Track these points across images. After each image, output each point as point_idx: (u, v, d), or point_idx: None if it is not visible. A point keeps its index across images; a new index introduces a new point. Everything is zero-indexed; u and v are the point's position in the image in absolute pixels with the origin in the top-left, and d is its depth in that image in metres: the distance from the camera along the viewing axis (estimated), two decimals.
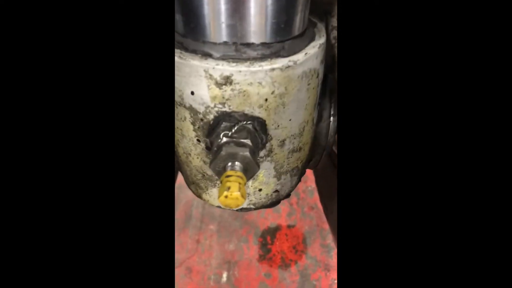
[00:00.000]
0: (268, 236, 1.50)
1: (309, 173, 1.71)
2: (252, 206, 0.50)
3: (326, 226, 1.51)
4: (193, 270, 1.37)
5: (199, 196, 0.52)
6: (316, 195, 1.64)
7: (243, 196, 0.31)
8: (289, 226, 1.52)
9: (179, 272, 1.35)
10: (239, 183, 0.31)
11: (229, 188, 0.30)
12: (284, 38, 0.36)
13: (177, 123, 0.41)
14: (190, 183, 0.51)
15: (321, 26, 0.45)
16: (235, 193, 0.30)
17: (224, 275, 1.36)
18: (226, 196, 0.30)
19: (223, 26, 0.34)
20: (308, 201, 1.61)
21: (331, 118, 0.50)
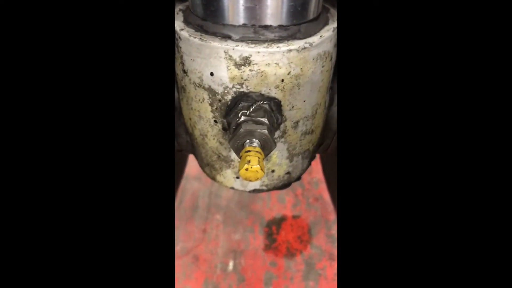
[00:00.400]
0: (274, 226, 1.52)
1: (314, 164, 1.72)
2: (264, 188, 0.52)
3: (331, 217, 1.52)
4: (200, 258, 1.39)
5: (213, 178, 0.53)
6: (321, 187, 1.65)
7: (262, 169, 0.32)
8: (294, 217, 1.54)
9: (186, 260, 1.37)
10: (258, 157, 0.33)
11: (249, 161, 0.32)
12: (300, 21, 0.38)
13: (195, 105, 0.43)
14: (204, 165, 0.53)
15: (334, 12, 0.46)
16: (255, 166, 0.32)
17: (231, 264, 1.38)
18: (246, 169, 0.32)
19: (242, 8, 0.35)
20: (313, 192, 1.63)
21: None
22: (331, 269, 1.38)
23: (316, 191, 1.62)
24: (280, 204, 1.58)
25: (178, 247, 1.41)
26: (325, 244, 1.44)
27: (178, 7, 0.45)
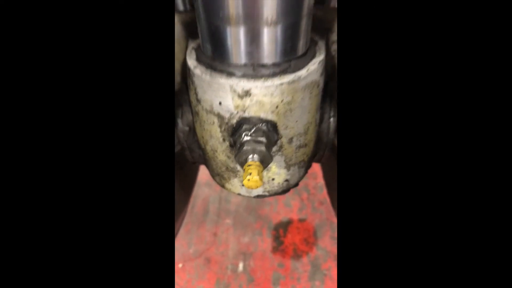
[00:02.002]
0: (281, 229, 1.59)
1: (318, 170, 1.78)
2: (266, 193, 0.61)
3: (336, 219, 1.59)
4: (212, 260, 1.48)
5: (222, 186, 0.62)
6: (325, 191, 1.72)
7: (261, 179, 0.41)
8: (300, 220, 1.61)
9: (199, 262, 1.46)
10: (258, 170, 0.42)
11: (250, 173, 0.41)
12: (290, 58, 0.46)
13: (206, 127, 0.52)
14: (215, 175, 0.62)
15: (321, 44, 0.55)
16: (255, 177, 0.41)
17: (240, 265, 1.46)
18: (248, 179, 0.41)
19: (244, 52, 0.44)
20: (318, 196, 1.70)
21: (331, 119, 0.60)
22: (336, 270, 1.45)
23: (321, 195, 1.70)
24: (287, 208, 1.66)
25: (191, 250, 1.50)
26: (330, 245, 1.51)
27: (191, 45, 0.54)
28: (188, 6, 0.67)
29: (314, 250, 1.51)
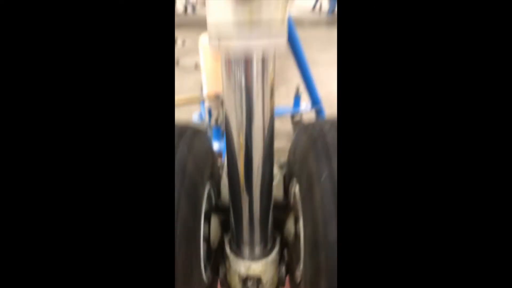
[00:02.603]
0: None
1: None
2: None
3: None
4: None
5: None
6: None
7: None
8: None
9: None
10: None
11: None
12: (264, 249, 1.25)
13: (232, 277, 1.27)
14: None
15: (277, 237, 1.35)
16: None
17: None
18: None
19: (248, 252, 1.21)
20: None
21: (283, 267, 1.36)
22: None
23: None
24: None
25: None
26: None
27: (227, 239, 1.33)
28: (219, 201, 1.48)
29: None
